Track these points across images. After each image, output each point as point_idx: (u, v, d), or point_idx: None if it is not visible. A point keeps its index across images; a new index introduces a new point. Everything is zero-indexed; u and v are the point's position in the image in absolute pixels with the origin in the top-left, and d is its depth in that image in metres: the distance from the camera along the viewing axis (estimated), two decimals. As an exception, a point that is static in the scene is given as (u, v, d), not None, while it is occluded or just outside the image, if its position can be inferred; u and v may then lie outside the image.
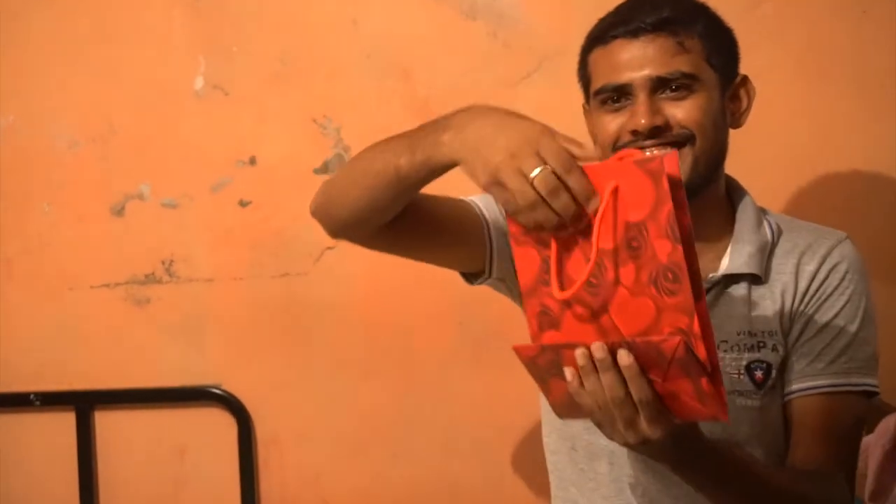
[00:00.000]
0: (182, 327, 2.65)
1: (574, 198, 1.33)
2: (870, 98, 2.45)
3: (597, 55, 1.72)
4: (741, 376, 1.72)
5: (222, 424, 2.64)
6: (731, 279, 1.75)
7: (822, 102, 2.47)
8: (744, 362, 1.73)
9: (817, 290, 1.74)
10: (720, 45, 1.73)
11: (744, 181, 1.85)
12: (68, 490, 2.66)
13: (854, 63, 2.46)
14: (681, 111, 1.66)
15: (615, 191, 1.33)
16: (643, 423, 1.33)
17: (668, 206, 1.29)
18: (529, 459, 2.53)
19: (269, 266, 2.61)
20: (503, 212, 1.54)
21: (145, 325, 2.66)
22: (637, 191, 1.32)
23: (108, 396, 2.67)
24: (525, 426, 2.46)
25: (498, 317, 2.33)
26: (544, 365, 1.40)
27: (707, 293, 1.71)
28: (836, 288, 1.74)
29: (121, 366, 2.66)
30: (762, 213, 1.82)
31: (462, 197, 1.79)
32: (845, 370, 1.72)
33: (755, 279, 1.75)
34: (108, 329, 2.66)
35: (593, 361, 1.32)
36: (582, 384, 1.34)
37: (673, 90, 1.66)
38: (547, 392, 1.43)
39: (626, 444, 1.38)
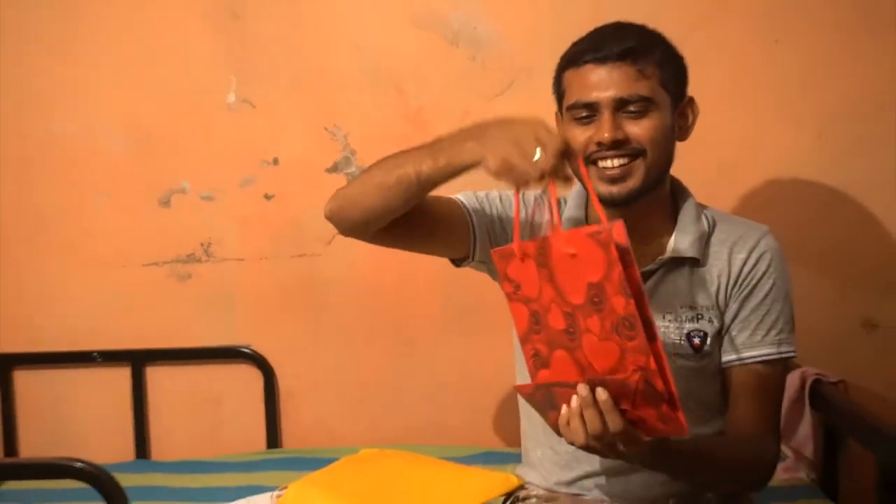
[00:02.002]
0: (217, 298, 2.62)
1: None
2: (784, 112, 2.45)
3: (570, 75, 1.67)
4: (682, 342, 1.71)
5: (251, 378, 2.62)
6: (676, 262, 1.73)
7: (745, 116, 2.46)
8: (685, 331, 1.71)
9: (748, 275, 1.73)
10: (673, 72, 1.69)
11: (686, 182, 1.82)
12: (124, 432, 2.64)
13: (770, 83, 2.44)
14: (638, 128, 1.63)
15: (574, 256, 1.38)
16: (620, 446, 1.39)
17: (618, 269, 1.31)
18: (501, 407, 2.55)
19: (288, 248, 2.59)
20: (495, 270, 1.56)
21: (187, 297, 2.62)
22: (592, 257, 1.34)
23: (157, 355, 2.64)
24: (498, 380, 2.44)
25: (478, 292, 2.27)
26: (540, 399, 1.46)
27: (655, 273, 1.72)
28: (763, 273, 1.73)
29: (167, 330, 2.63)
30: (700, 208, 1.79)
31: (449, 196, 1.79)
32: (777, 341, 1.72)
33: (695, 262, 1.73)
34: (157, 299, 2.62)
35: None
36: (569, 422, 1.39)
37: (632, 110, 1.62)
38: (546, 418, 1.47)
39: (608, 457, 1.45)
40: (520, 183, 1.46)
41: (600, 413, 1.35)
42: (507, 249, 1.48)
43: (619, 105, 1.60)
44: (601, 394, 1.34)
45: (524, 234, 1.77)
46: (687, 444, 1.57)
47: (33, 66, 2.56)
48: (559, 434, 1.43)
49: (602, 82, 1.62)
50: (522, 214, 1.80)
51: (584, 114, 1.64)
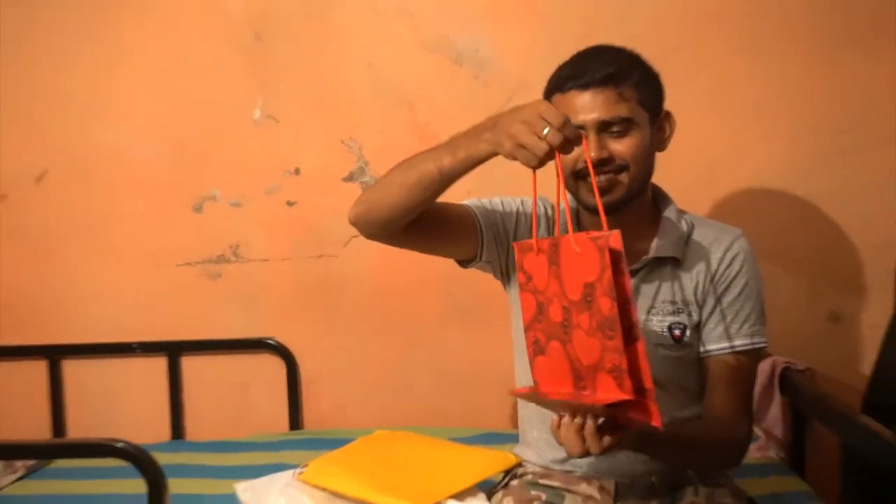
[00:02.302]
0: (245, 295, 2.62)
1: (570, 140, 1.42)
2: (761, 124, 2.45)
3: (556, 99, 1.67)
4: (664, 333, 1.72)
5: (275, 366, 2.62)
6: (658, 261, 1.74)
7: (724, 129, 2.45)
8: (666, 323, 1.72)
9: (723, 274, 1.74)
10: (651, 90, 1.69)
11: (669, 188, 1.83)
12: (161, 415, 2.65)
13: (747, 98, 2.44)
14: (621, 146, 1.64)
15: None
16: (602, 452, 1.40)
17: (608, 273, 1.32)
18: (500, 393, 2.51)
19: (308, 250, 2.59)
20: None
21: (218, 294, 2.63)
22: (590, 259, 1.35)
23: (191, 346, 2.64)
24: (496, 369, 2.40)
25: (477, 291, 2.35)
26: (535, 401, 1.51)
27: (640, 271, 1.74)
28: (737, 273, 1.73)
29: (200, 323, 2.64)
30: (680, 213, 1.80)
31: (459, 202, 1.79)
32: (749, 333, 1.73)
33: (675, 262, 1.74)
34: (190, 296, 2.63)
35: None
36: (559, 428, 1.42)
37: (615, 130, 1.63)
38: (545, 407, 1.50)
39: None
40: (532, 161, 1.43)
41: (583, 436, 1.38)
42: (527, 243, 1.49)
43: (603, 126, 1.61)
44: (589, 423, 1.37)
45: (527, 231, 1.80)
46: (667, 431, 1.55)
47: (81, 86, 2.58)
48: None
49: (586, 106, 1.62)
50: (522, 208, 1.83)
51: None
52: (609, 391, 1.36)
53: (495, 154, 1.50)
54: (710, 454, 1.70)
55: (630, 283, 1.35)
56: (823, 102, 2.41)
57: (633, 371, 1.33)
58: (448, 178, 1.57)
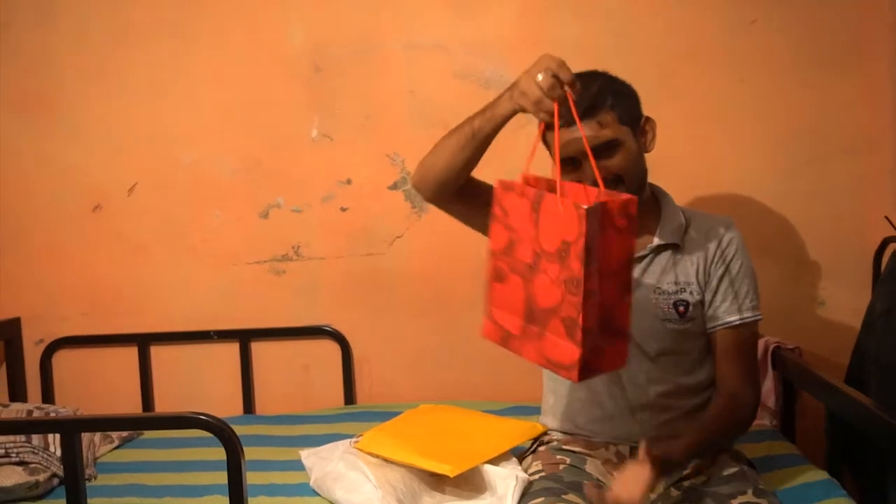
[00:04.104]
0: (305, 288, 2.59)
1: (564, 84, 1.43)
2: (746, 136, 2.41)
3: (549, 136, 1.58)
4: (670, 310, 1.69)
5: (332, 350, 2.58)
6: (662, 248, 1.72)
7: (710, 139, 2.41)
8: (671, 301, 1.69)
9: (721, 256, 1.71)
10: (625, 105, 1.64)
11: (666, 188, 1.82)
12: (235, 393, 2.61)
13: (734, 114, 2.40)
14: (611, 164, 1.60)
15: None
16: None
17: (583, 241, 1.29)
18: (527, 369, 2.40)
19: (359, 249, 2.56)
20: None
21: (282, 287, 2.60)
22: (570, 222, 1.31)
23: (259, 333, 2.61)
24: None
25: None
26: (503, 345, 1.55)
27: (646, 258, 1.71)
28: (733, 255, 1.71)
29: (267, 313, 2.60)
30: (677, 206, 1.77)
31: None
32: (750, 307, 1.71)
33: (677, 248, 1.71)
34: (259, 290, 2.60)
35: None
36: None
37: (603, 152, 1.58)
38: None
39: None
40: (532, 108, 1.44)
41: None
42: (510, 182, 1.46)
43: (592, 152, 1.50)
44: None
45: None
46: (690, 436, 1.60)
47: (167, 111, 2.56)
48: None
49: (573, 140, 1.56)
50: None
51: (569, 165, 1.60)
52: (558, 335, 1.34)
53: (516, 111, 1.51)
54: (727, 433, 1.69)
55: (634, 242, 1.37)
56: (798, 118, 2.37)
57: (622, 316, 1.35)
58: (480, 137, 1.58)
